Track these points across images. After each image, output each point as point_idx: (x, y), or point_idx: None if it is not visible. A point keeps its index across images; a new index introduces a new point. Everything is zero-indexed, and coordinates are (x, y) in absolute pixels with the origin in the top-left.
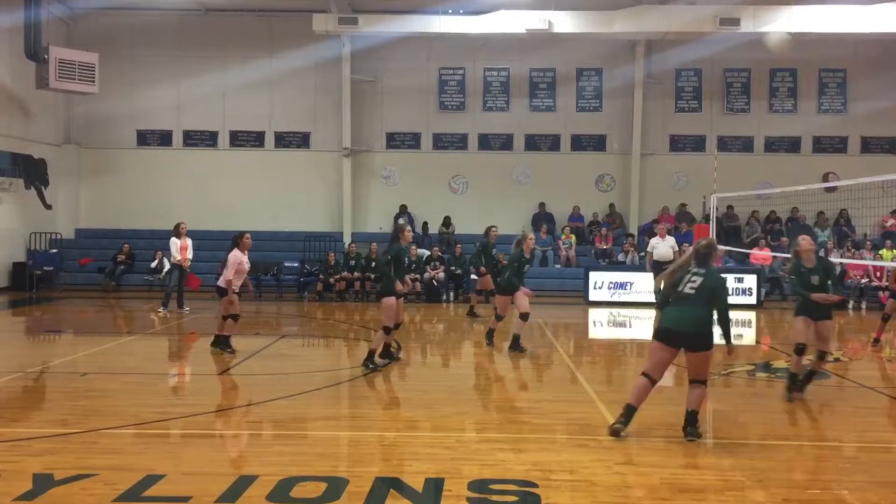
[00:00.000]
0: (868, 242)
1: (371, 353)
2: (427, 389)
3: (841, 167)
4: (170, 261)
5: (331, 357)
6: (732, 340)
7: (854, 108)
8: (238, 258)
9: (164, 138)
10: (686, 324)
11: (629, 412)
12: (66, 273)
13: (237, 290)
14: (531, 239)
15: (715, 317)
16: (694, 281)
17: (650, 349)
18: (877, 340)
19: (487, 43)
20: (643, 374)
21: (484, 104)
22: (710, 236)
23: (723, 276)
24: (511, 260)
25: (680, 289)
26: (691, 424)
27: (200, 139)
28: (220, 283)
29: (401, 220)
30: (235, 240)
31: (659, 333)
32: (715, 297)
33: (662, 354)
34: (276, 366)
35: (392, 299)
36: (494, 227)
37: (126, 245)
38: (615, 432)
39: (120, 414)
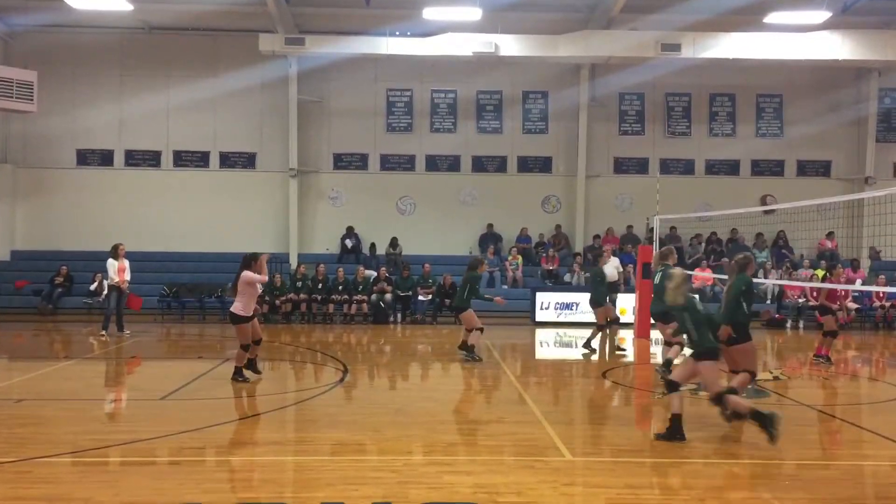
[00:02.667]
0: (806, 261)
1: (464, 344)
2: (373, 412)
3: (778, 190)
4: (108, 283)
5: (276, 380)
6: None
7: (790, 133)
8: (250, 279)
9: (105, 158)
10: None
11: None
12: (1, 296)
13: (252, 315)
14: (675, 255)
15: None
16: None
17: None
18: (822, 357)
19: (435, 65)
20: None
21: (431, 125)
22: (654, 257)
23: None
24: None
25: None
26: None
27: (143, 159)
28: (237, 310)
29: (479, 256)
30: (248, 260)
31: None
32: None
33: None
34: (220, 390)
35: (469, 311)
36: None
37: (64, 267)
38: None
39: (56, 442)
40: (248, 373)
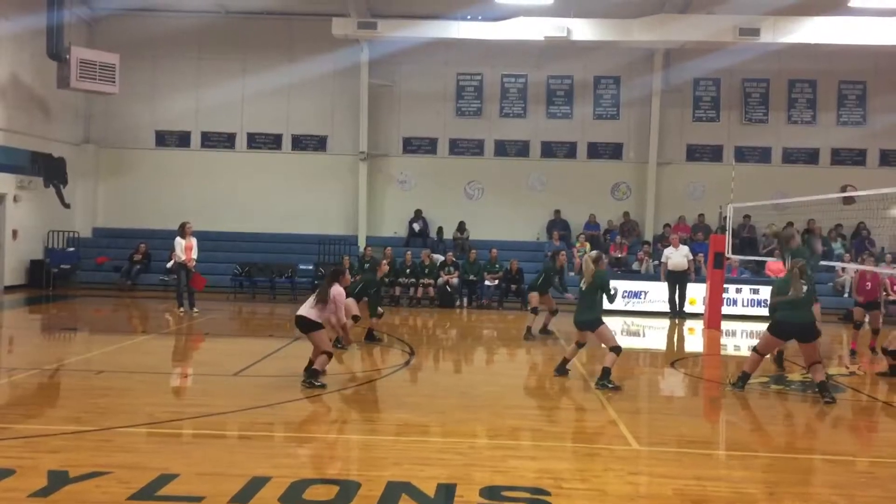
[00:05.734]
0: (888, 255)
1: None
2: (439, 395)
3: (859, 180)
4: (175, 260)
5: (344, 361)
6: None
7: (873, 121)
8: (344, 294)
9: (183, 139)
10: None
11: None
12: (83, 271)
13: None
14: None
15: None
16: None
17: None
18: (872, 349)
19: (505, 49)
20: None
21: (501, 110)
22: (726, 247)
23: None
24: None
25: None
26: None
27: (218, 141)
28: (316, 318)
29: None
30: (337, 275)
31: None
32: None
33: None
34: (290, 368)
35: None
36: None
37: (143, 245)
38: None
39: (134, 413)
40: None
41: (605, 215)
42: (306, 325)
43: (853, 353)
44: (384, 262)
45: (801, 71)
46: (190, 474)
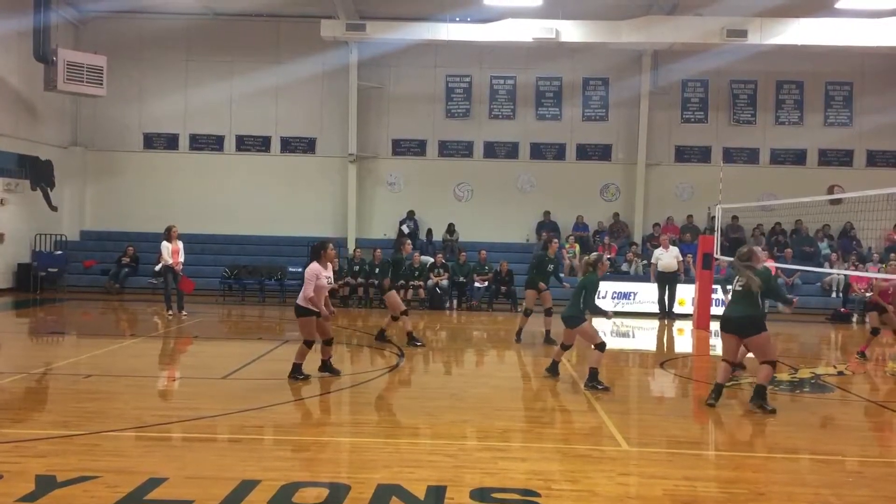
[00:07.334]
0: (875, 255)
1: (382, 333)
2: (429, 397)
3: (846, 180)
4: (162, 264)
5: (333, 363)
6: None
7: (860, 122)
8: (316, 271)
9: (171, 142)
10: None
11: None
12: (71, 275)
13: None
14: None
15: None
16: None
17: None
18: (861, 354)
19: (494, 51)
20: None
21: (490, 112)
22: (715, 247)
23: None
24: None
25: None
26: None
27: (206, 143)
28: (300, 301)
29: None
30: (317, 251)
31: None
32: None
33: None
34: (279, 370)
35: (393, 294)
36: None
37: (130, 247)
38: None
39: (122, 416)
40: (305, 371)
41: (594, 216)
42: (295, 311)
43: None
44: (407, 241)
45: (788, 72)
46: (179, 478)
